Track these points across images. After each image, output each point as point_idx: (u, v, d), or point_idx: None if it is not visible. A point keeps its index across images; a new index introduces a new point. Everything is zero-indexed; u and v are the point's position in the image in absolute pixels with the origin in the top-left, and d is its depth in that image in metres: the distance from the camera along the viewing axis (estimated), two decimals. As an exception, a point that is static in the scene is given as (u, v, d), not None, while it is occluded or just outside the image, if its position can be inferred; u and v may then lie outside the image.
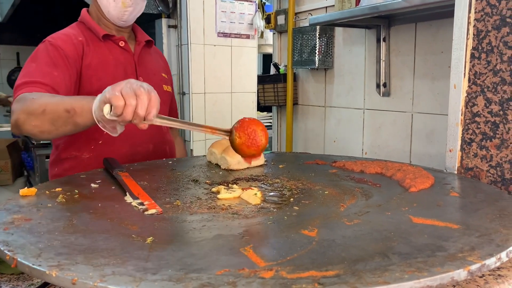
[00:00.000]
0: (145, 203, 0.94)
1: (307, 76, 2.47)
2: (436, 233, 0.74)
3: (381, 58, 1.99)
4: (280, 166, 1.34)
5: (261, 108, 3.73)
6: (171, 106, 1.80)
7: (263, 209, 0.92)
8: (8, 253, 0.66)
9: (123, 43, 1.61)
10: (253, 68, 3.81)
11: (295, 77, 2.50)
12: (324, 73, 2.35)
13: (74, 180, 1.15)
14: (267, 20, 2.59)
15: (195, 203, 0.97)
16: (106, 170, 1.26)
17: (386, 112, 2.04)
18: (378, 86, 2.04)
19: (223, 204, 0.95)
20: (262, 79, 2.58)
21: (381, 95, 2.03)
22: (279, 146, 2.71)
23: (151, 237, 0.73)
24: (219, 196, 1.02)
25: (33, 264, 0.61)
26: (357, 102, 2.19)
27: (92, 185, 1.10)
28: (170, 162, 1.41)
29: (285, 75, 2.47)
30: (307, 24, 2.27)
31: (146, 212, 0.89)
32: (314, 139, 2.47)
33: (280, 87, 2.49)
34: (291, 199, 0.99)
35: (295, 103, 2.52)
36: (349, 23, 1.93)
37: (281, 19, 2.52)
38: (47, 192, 1.02)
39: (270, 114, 3.84)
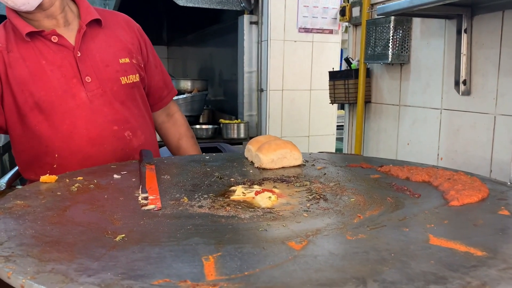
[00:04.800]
0: (149, 197, 0.91)
1: (382, 72, 2.28)
2: (448, 260, 0.59)
3: (462, 52, 1.75)
4: (318, 167, 1.23)
5: (342, 106, 3.56)
6: (152, 90, 1.51)
7: (268, 213, 0.83)
8: (-22, 238, 0.66)
9: (56, 38, 1.27)
10: (335, 64, 3.64)
11: (368, 73, 2.32)
12: (399, 69, 2.15)
13: (100, 170, 1.15)
14: (342, 12, 2.44)
15: (204, 201, 0.91)
16: (139, 161, 1.26)
17: (465, 113, 1.80)
18: (457, 83, 1.80)
19: (229, 206, 0.88)
20: (333, 75, 2.44)
21: (461, 93, 1.79)
22: (349, 148, 2.55)
23: (123, 235, 0.69)
24: (232, 196, 0.95)
25: (-13, 252, 0.60)
26: (434, 101, 1.96)
27: (115, 175, 1.10)
28: (208, 157, 1.37)
29: (356, 70, 2.30)
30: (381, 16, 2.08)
31: (143, 207, 0.85)
32: (386, 141, 2.27)
33: (351, 84, 2.33)
34: (308, 205, 0.89)
35: (368, 101, 2.35)
36: (422, 12, 1.72)
37: (356, 11, 2.36)
38: (67, 180, 1.03)
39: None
